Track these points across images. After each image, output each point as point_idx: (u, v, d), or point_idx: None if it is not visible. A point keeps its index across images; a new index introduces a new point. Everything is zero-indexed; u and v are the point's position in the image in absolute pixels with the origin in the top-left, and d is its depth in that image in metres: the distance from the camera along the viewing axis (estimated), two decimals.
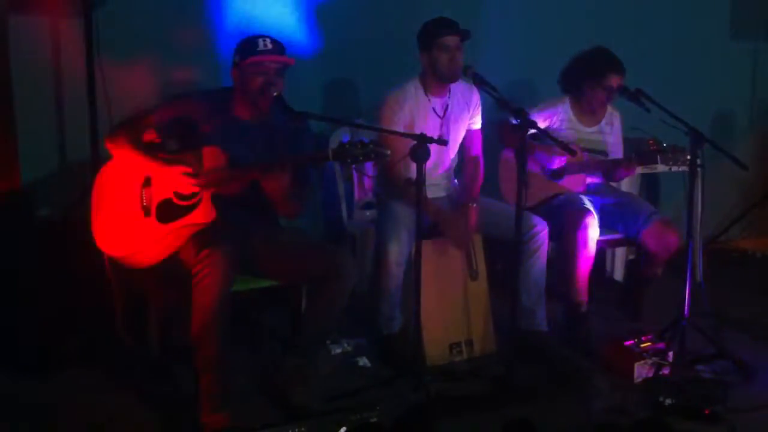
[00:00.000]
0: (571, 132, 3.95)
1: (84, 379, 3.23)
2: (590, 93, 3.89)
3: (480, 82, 3.32)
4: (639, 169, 4.43)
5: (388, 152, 2.95)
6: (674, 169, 3.59)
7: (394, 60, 3.97)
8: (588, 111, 3.97)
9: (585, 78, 3.90)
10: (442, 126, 3.66)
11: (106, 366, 3.31)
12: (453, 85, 3.66)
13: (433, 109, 3.65)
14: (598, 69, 3.84)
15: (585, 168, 3.93)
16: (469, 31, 3.52)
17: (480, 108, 3.78)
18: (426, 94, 3.63)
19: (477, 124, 3.81)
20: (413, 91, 3.62)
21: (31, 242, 3.46)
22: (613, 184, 4.11)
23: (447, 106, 3.68)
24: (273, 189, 2.98)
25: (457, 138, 3.77)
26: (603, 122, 4.02)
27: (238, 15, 4.04)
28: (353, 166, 2.94)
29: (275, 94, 3.01)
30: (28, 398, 3.10)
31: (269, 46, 3.06)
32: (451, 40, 3.49)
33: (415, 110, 3.60)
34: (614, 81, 3.80)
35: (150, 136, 3.11)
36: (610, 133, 4.03)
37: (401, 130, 3.48)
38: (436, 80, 3.60)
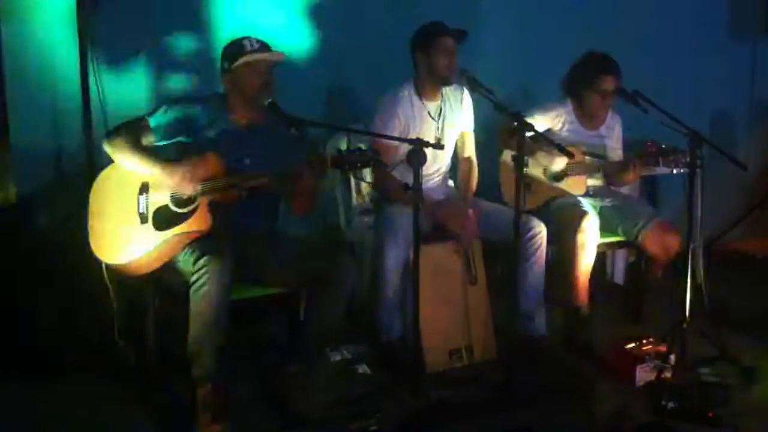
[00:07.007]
0: (573, 134, 3.93)
1: (82, 389, 3.21)
2: (587, 98, 3.88)
3: (476, 86, 3.31)
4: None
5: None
6: (675, 171, 3.58)
7: (395, 65, 3.95)
8: (588, 114, 3.95)
9: (579, 84, 3.89)
10: (437, 129, 3.65)
11: (104, 375, 3.28)
12: (444, 88, 3.65)
13: (429, 113, 3.63)
14: (589, 73, 3.84)
15: (589, 170, 3.91)
16: (466, 31, 3.52)
17: (471, 109, 3.78)
18: (420, 98, 3.62)
19: (469, 125, 3.79)
20: (407, 95, 3.61)
21: (29, 251, 3.44)
22: (613, 187, 4.09)
23: (441, 109, 3.66)
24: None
25: (452, 140, 3.76)
26: (604, 126, 4.00)
27: (234, 19, 4.01)
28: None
29: (269, 100, 2.99)
30: (26, 407, 3.07)
31: (256, 45, 3.06)
32: (450, 41, 3.49)
33: (410, 115, 3.59)
34: (607, 83, 3.79)
35: (149, 139, 3.09)
36: (610, 137, 4.01)
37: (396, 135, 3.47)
38: (432, 83, 3.59)
